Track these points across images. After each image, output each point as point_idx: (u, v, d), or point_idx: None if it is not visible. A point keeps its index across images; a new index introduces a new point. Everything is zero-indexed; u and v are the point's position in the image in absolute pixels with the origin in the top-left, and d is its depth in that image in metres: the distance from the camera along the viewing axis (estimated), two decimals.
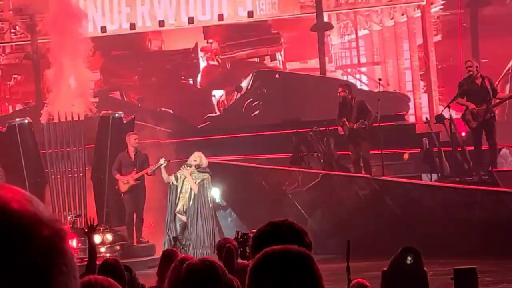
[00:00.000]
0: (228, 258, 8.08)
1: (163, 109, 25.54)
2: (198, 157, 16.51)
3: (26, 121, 19.18)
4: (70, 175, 18.89)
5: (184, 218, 16.22)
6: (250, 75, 25.42)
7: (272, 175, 19.83)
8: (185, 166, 16.36)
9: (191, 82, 28.97)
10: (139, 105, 25.33)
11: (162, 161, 16.82)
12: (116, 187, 18.32)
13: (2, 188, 1.35)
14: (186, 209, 16.23)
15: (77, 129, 19.00)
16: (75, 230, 16.65)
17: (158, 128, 22.70)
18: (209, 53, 28.85)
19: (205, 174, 16.47)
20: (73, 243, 16.33)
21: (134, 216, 18.43)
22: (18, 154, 18.68)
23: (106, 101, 23.61)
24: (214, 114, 26.95)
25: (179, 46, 28.52)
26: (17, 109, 28.18)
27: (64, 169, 18.92)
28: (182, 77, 28.64)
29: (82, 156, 18.91)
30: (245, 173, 20.04)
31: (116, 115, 19.07)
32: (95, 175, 18.85)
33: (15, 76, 30.21)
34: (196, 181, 16.22)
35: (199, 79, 28.65)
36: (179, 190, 16.27)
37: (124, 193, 18.28)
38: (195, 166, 16.34)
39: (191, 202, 16.18)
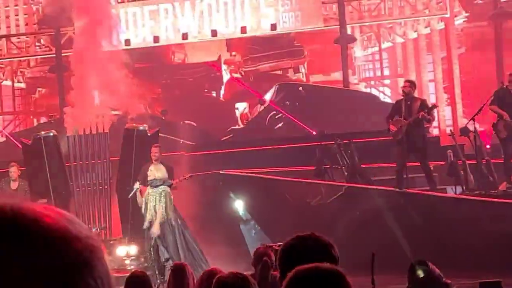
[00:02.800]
0: (263, 271, 8.04)
1: (186, 121, 25.59)
2: (149, 173, 16.68)
3: (51, 134, 19.22)
4: (94, 188, 18.95)
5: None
6: (274, 87, 25.45)
7: (296, 187, 19.82)
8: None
9: (214, 94, 29.03)
10: (163, 117, 25.39)
11: (136, 185, 16.80)
12: (139, 200, 18.35)
13: (36, 204, 1.35)
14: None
15: (102, 142, 19.06)
16: None
17: (182, 141, 22.74)
18: (232, 66, 28.90)
19: (158, 188, 16.50)
20: None
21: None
22: (43, 167, 18.73)
23: (129, 113, 23.67)
24: (237, 127, 26.97)
25: (203, 59, 28.58)
26: (41, 122, 28.32)
27: (88, 182, 18.97)
28: (205, 90, 28.71)
29: (106, 169, 18.96)
30: (269, 185, 20.03)
31: (141, 128, 19.10)
32: (120, 187, 18.88)
33: (40, 89, 30.42)
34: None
35: (222, 91, 28.70)
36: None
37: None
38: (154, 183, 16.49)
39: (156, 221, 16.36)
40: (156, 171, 16.48)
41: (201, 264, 16.32)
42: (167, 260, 16.22)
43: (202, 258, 16.84)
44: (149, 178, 16.50)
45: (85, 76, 20.69)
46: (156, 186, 16.32)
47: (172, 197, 16.70)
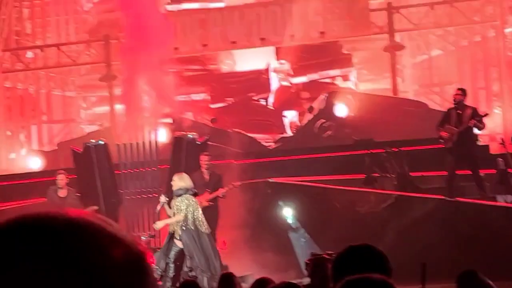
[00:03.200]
0: (323, 282, 7.98)
1: (235, 130, 25.62)
2: (172, 182, 16.51)
3: (102, 142, 19.38)
4: (144, 196, 19.04)
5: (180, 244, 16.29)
6: (322, 95, 25.39)
7: (345, 196, 19.76)
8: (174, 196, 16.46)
9: (263, 102, 29.04)
10: (212, 125, 25.45)
11: (162, 198, 16.70)
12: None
13: (82, 212, 1.36)
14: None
15: (151, 150, 19.17)
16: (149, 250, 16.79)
17: (230, 148, 22.80)
18: (281, 74, 28.90)
19: (189, 197, 16.46)
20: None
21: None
22: (94, 175, 18.89)
23: (178, 122, 23.78)
24: (286, 135, 26.97)
25: (251, 67, 28.61)
26: (92, 130, 28.54)
27: (138, 190, 19.09)
28: (254, 98, 28.71)
29: (156, 177, 19.05)
30: (318, 193, 20.00)
31: (190, 136, 19.19)
32: (169, 196, 18.94)
33: (90, 97, 30.71)
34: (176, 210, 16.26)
35: (271, 99, 28.71)
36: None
37: None
38: (176, 193, 16.40)
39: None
40: (179, 181, 16.43)
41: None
42: (190, 270, 16.09)
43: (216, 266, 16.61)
44: (173, 188, 16.45)
45: (134, 84, 20.82)
46: (179, 195, 16.28)
47: (197, 206, 16.52)
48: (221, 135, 23.15)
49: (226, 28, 26.22)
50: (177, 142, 19.15)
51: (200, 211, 16.27)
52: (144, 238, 18.40)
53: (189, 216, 16.01)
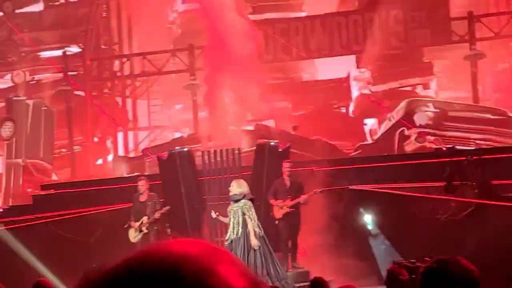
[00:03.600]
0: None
1: (316, 137, 25.58)
2: (230, 188, 16.41)
3: (186, 149, 19.53)
4: (227, 201, 19.08)
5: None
6: (402, 103, 25.22)
7: (425, 203, 19.56)
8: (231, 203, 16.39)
9: (343, 110, 28.96)
10: (293, 133, 25.45)
11: (213, 214, 16.79)
12: (271, 214, 18.39)
13: (188, 248, 1.35)
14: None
15: (234, 157, 19.23)
16: None
17: (312, 156, 22.75)
18: (362, 82, 28.77)
19: (239, 202, 16.30)
20: None
21: (289, 242, 18.45)
22: (178, 181, 19.03)
23: (260, 129, 23.85)
24: (366, 142, 26.84)
25: (332, 75, 28.57)
26: (176, 137, 28.76)
27: (221, 196, 19.14)
28: (335, 106, 28.65)
29: None
30: (398, 201, 19.82)
31: (272, 143, 19.21)
32: (252, 201, 18.98)
33: (175, 105, 30.99)
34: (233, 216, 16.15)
35: (351, 107, 28.61)
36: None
37: (279, 220, 18.31)
38: (233, 198, 16.29)
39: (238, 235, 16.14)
40: (237, 187, 16.42)
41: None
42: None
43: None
44: (230, 194, 16.46)
45: (218, 92, 20.93)
46: (237, 201, 16.26)
47: (253, 210, 16.49)
48: (302, 142, 23.13)
49: (307, 37, 26.24)
50: (260, 149, 19.19)
51: (254, 217, 16.29)
52: (227, 244, 18.46)
53: (248, 220, 16.04)
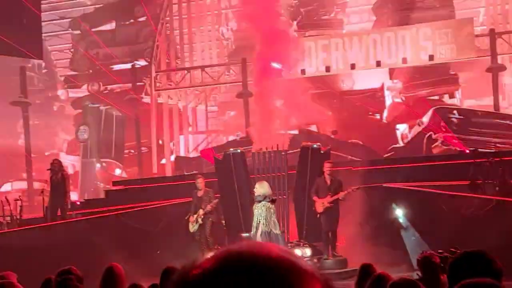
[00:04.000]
0: (433, 274, 7.77)
1: (353, 140, 25.51)
2: (255, 190, 16.38)
3: (239, 151, 19.53)
4: (275, 197, 19.07)
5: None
6: (430, 110, 25.07)
7: (451, 200, 19.36)
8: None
9: (377, 117, 28.84)
10: (333, 136, 25.38)
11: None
12: (313, 208, 18.33)
13: (257, 243, 1.31)
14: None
15: (281, 157, 19.21)
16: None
17: (349, 157, 22.67)
18: (394, 92, 28.64)
19: (260, 203, 16.17)
20: None
21: (330, 233, 18.39)
22: (232, 179, 19.04)
23: (304, 133, 23.82)
24: (398, 145, 26.69)
25: (368, 86, 28.47)
26: (230, 139, 28.84)
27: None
28: (370, 113, 28.52)
29: (285, 181, 19.06)
30: (426, 198, 19.65)
31: (315, 146, 19.16)
32: (296, 197, 18.95)
33: (229, 111, 31.07)
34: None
35: (385, 114, 28.47)
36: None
37: (320, 213, 18.25)
38: (257, 199, 16.21)
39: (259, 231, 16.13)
40: (259, 188, 16.38)
41: None
42: None
43: None
44: (255, 195, 16.43)
45: (267, 101, 20.89)
46: (259, 201, 16.22)
47: (273, 210, 16.39)
48: (341, 145, 23.06)
49: (346, 52, 26.15)
50: (304, 151, 19.14)
51: (274, 215, 16.24)
52: (249, 235, 18.48)
53: (262, 221, 16.01)
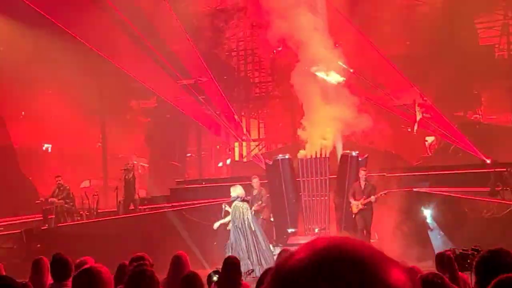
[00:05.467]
0: (450, 268, 7.69)
1: (387, 150, 25.30)
2: (231, 190, 16.19)
3: (287, 156, 19.52)
4: (317, 198, 19.02)
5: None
6: (456, 125, 24.81)
7: (473, 203, 19.13)
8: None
9: (409, 130, 28.57)
10: (370, 146, 25.20)
11: (224, 206, 16.47)
12: (350, 209, 18.23)
13: (346, 238, 1.26)
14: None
15: (323, 163, 19.13)
16: None
17: (385, 164, 22.48)
18: (424, 108, 28.34)
19: (238, 203, 16.02)
20: None
21: (364, 231, 18.26)
22: (280, 181, 19.04)
23: (345, 142, 23.67)
24: (426, 155, 26.43)
25: (401, 102, 28.23)
26: (278, 147, 28.84)
27: (313, 193, 19.06)
28: (403, 126, 28.25)
29: (326, 184, 18.99)
30: (451, 201, 19.43)
31: (354, 153, 19.05)
32: (336, 199, 18.88)
33: (279, 122, 31.04)
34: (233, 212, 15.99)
35: (415, 127, 28.20)
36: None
37: (355, 214, 18.15)
38: (232, 199, 16.08)
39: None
40: (233, 191, 16.34)
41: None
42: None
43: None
44: (231, 196, 16.35)
45: (312, 113, 20.78)
46: (233, 201, 16.20)
47: (248, 209, 16.27)
48: (377, 153, 22.86)
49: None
50: (344, 158, 19.05)
51: (249, 213, 16.10)
52: (317, 230, 18.40)
53: (237, 218, 15.91)
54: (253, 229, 16.07)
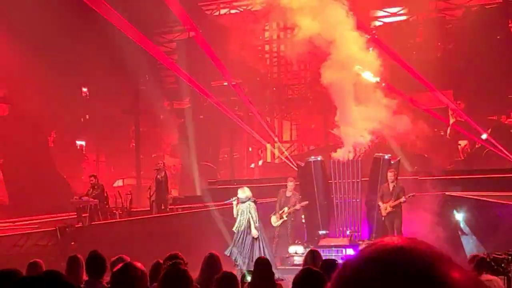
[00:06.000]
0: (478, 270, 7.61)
1: (420, 153, 25.11)
2: (239, 192, 16.04)
3: (319, 158, 19.47)
4: (349, 201, 18.94)
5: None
6: (489, 129, 24.57)
7: (505, 207, 18.90)
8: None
9: (442, 133, 28.37)
10: (401, 149, 25.02)
11: (233, 199, 16.29)
12: (379, 211, 18.11)
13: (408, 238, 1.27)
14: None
15: (356, 165, 19.05)
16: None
17: (416, 167, 22.33)
18: (457, 112, 28.12)
19: (245, 204, 15.89)
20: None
21: (394, 233, 18.13)
22: (312, 183, 18.99)
23: (377, 145, 23.54)
24: (459, 159, 26.21)
25: (435, 106, 28.03)
26: (310, 149, 28.78)
27: (345, 196, 18.99)
28: (436, 129, 28.06)
29: (358, 186, 18.91)
30: (483, 205, 19.23)
31: (386, 156, 18.94)
32: (368, 201, 18.78)
33: (311, 124, 31.01)
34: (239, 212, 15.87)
35: (448, 131, 28.00)
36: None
37: (384, 216, 18.01)
38: (241, 200, 15.95)
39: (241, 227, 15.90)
40: (241, 193, 16.17)
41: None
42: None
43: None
44: (239, 197, 16.21)
45: (345, 116, 20.70)
46: (243, 203, 16.08)
47: (255, 210, 15.99)
48: (410, 157, 22.71)
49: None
50: (376, 161, 18.95)
51: (255, 215, 15.97)
52: (348, 233, 18.32)
53: (243, 219, 15.82)
54: (255, 230, 16.05)
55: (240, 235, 15.91)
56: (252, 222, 15.83)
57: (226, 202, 16.71)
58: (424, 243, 1.24)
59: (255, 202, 16.16)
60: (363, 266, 1.20)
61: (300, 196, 18.55)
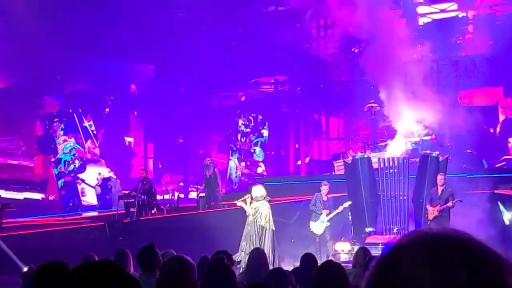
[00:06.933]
0: None
1: (469, 150, 24.71)
2: (253, 191, 15.93)
3: (366, 156, 19.36)
4: (396, 198, 18.74)
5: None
6: None
7: None
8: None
9: (491, 131, 27.90)
10: (450, 146, 24.67)
11: (246, 197, 16.13)
12: (426, 215, 17.76)
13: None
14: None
15: (403, 163, 18.85)
16: None
17: (464, 165, 22.02)
18: (507, 108, 27.66)
19: (258, 202, 15.69)
20: None
21: None
22: (359, 181, 18.87)
23: (424, 143, 23.28)
24: (509, 157, 25.73)
25: (484, 103, 27.66)
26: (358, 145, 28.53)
27: (391, 193, 18.80)
28: (485, 127, 27.61)
29: (405, 184, 18.68)
30: None
31: (433, 154, 18.70)
32: (415, 199, 18.57)
33: (357, 120, 30.77)
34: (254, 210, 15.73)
35: (498, 129, 27.53)
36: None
37: (430, 220, 17.66)
38: (256, 199, 15.79)
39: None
40: (254, 192, 15.96)
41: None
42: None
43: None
44: (253, 196, 16.00)
45: (394, 113, 20.53)
46: (258, 201, 15.86)
47: (269, 209, 15.91)
48: (458, 154, 22.39)
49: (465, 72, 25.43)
50: (424, 159, 18.72)
51: (268, 213, 15.74)
52: (396, 230, 18.14)
53: (257, 216, 15.61)
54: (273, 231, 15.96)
55: (254, 233, 15.88)
56: (264, 222, 15.81)
57: (238, 201, 16.54)
58: (479, 240, 1.21)
59: (269, 201, 16.15)
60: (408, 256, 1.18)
61: (342, 195, 18.41)
